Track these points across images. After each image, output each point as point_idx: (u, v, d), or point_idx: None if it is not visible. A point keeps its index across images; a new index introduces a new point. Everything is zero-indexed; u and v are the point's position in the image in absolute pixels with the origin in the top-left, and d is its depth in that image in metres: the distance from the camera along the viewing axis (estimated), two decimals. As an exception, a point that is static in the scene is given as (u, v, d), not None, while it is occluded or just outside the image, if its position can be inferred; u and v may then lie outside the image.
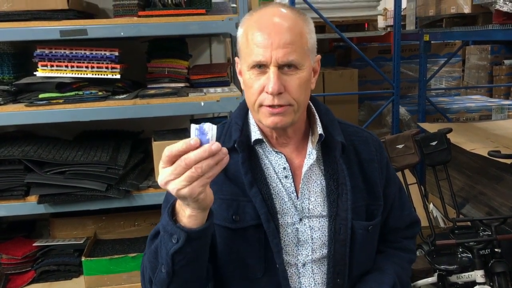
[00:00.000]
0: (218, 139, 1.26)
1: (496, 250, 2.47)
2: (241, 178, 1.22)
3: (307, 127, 1.30)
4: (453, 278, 2.54)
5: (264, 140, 1.25)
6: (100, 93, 2.25)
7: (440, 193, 2.93)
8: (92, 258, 2.30)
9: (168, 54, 2.50)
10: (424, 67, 4.36)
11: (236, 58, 1.28)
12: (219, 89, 2.42)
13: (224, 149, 0.98)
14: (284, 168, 1.25)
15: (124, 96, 2.30)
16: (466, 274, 2.49)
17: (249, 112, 1.30)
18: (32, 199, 2.19)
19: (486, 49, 7.47)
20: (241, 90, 2.34)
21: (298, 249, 1.24)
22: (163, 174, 0.98)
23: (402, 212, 1.42)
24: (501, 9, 2.83)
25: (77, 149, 2.36)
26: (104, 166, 2.21)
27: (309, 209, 1.24)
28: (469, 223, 2.79)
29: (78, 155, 2.28)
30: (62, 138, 2.62)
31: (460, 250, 2.54)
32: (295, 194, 1.25)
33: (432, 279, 2.69)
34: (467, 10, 3.38)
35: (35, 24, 2.12)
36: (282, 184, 1.25)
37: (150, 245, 1.16)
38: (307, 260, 1.24)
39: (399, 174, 3.02)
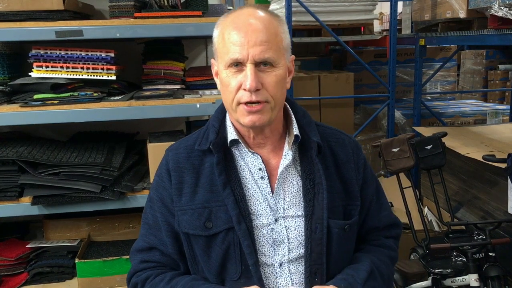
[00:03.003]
0: (194, 143, 1.30)
1: (490, 254, 2.47)
2: (215, 181, 1.24)
3: (284, 129, 1.33)
4: (447, 282, 2.54)
5: (240, 141, 1.27)
6: (95, 94, 2.24)
7: (434, 197, 2.93)
8: (85, 260, 2.29)
9: (164, 56, 2.50)
10: (420, 71, 4.37)
11: (212, 60, 1.30)
12: (214, 91, 2.41)
13: None
14: (260, 169, 1.26)
15: (120, 97, 2.29)
16: (460, 278, 2.49)
17: (227, 114, 1.31)
18: (26, 200, 2.18)
19: (481, 54, 7.51)
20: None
21: (274, 250, 1.25)
22: None
23: (380, 213, 1.43)
24: (496, 14, 2.84)
25: (72, 150, 2.36)
26: (99, 168, 2.20)
27: (284, 209, 1.26)
28: (463, 227, 2.79)
29: (72, 156, 2.27)
30: (57, 139, 2.61)
31: (455, 254, 2.54)
32: (271, 195, 1.26)
33: (427, 282, 2.69)
34: (462, 15, 3.40)
35: (30, 25, 2.11)
36: (257, 185, 1.26)
37: None
38: (284, 260, 1.25)
39: (394, 177, 3.02)
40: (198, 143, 1.29)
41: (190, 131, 2.66)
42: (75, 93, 2.22)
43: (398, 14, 4.35)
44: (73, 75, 2.25)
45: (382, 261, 1.37)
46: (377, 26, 8.10)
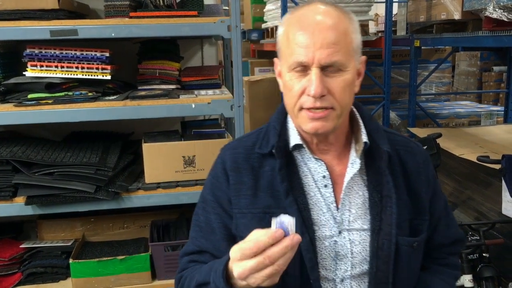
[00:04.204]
0: (255, 144, 1.23)
1: (484, 255, 2.48)
2: (276, 187, 1.16)
3: (350, 134, 1.23)
4: (442, 283, 2.55)
5: (303, 145, 1.18)
6: (90, 94, 2.23)
7: (429, 198, 2.94)
8: (80, 260, 2.28)
9: (160, 56, 2.49)
10: (415, 73, 4.39)
11: (275, 59, 1.22)
12: (210, 92, 2.41)
13: (300, 238, 0.97)
14: (324, 177, 1.18)
15: (115, 97, 2.28)
16: (455, 278, 2.49)
17: (288, 116, 1.23)
18: (20, 200, 2.17)
19: (475, 56, 7.55)
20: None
21: (336, 264, 1.16)
22: (242, 268, 0.96)
23: (448, 229, 1.33)
24: (491, 15, 2.85)
25: (66, 150, 2.35)
26: (93, 168, 2.19)
27: (349, 222, 1.17)
28: (457, 227, 2.80)
29: (67, 156, 2.26)
30: (51, 139, 2.60)
31: (449, 254, 2.55)
32: (334, 204, 1.17)
33: (421, 283, 2.69)
34: (457, 16, 3.41)
35: (25, 24, 2.10)
36: (321, 194, 1.18)
37: None
38: (346, 276, 1.17)
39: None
40: (258, 146, 1.21)
41: (186, 131, 2.65)
42: (70, 93, 2.21)
43: (393, 15, 4.37)
44: (68, 74, 2.24)
45: (450, 285, 1.30)
46: (372, 27, 8.13)
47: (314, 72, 1.06)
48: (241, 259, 0.96)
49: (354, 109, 1.24)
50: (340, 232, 1.16)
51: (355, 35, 1.13)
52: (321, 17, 1.09)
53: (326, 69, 1.07)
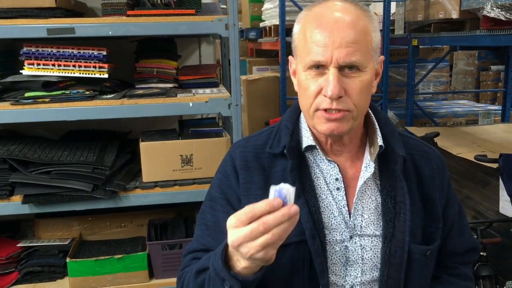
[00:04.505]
0: (265, 143, 1.19)
1: (481, 253, 2.48)
2: None
3: (364, 136, 1.20)
4: (439, 282, 2.55)
5: (316, 146, 1.15)
6: (87, 92, 2.22)
7: (427, 197, 2.94)
8: (77, 259, 2.27)
9: (157, 54, 2.49)
10: (412, 72, 4.39)
11: (290, 57, 1.19)
12: (207, 90, 2.41)
13: (297, 208, 0.92)
14: (337, 179, 1.15)
15: (112, 95, 2.28)
16: (452, 277, 2.49)
17: (301, 116, 1.21)
18: (17, 199, 2.16)
19: (473, 55, 7.56)
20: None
21: (346, 269, 1.14)
22: (236, 235, 0.91)
23: (461, 236, 1.29)
24: (488, 15, 2.85)
25: (63, 149, 2.34)
26: (91, 166, 2.19)
27: (361, 227, 1.13)
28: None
29: (64, 155, 2.26)
30: (48, 137, 2.59)
31: (446, 253, 2.55)
32: (346, 208, 1.14)
33: (418, 282, 2.69)
34: (455, 15, 3.41)
35: (21, 22, 2.09)
36: (332, 197, 1.14)
37: (196, 277, 1.09)
38: (356, 282, 1.14)
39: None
40: (269, 145, 1.18)
41: (183, 130, 2.65)
42: (67, 91, 2.20)
43: (391, 14, 4.37)
44: (65, 73, 2.23)
45: None
46: (370, 26, 8.13)
47: (331, 72, 1.03)
48: (236, 226, 0.92)
49: (370, 111, 1.20)
50: (351, 237, 1.13)
51: (375, 34, 1.08)
52: (339, 15, 1.05)
53: (344, 69, 1.04)
